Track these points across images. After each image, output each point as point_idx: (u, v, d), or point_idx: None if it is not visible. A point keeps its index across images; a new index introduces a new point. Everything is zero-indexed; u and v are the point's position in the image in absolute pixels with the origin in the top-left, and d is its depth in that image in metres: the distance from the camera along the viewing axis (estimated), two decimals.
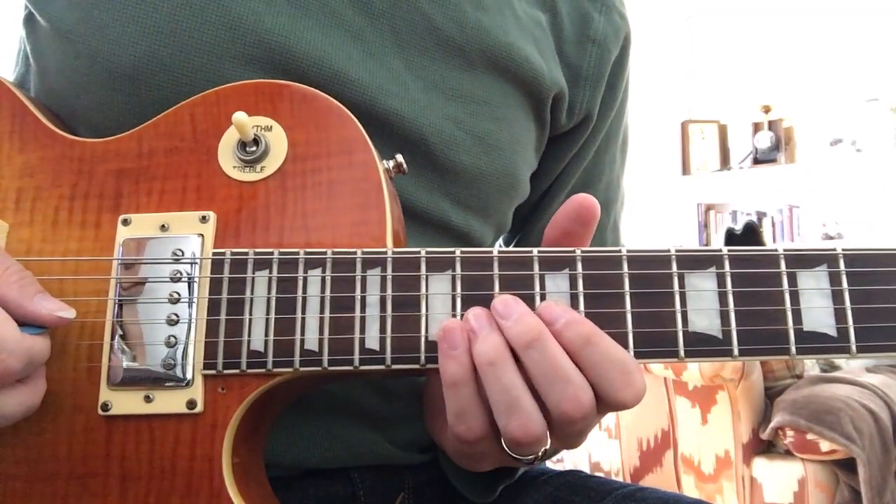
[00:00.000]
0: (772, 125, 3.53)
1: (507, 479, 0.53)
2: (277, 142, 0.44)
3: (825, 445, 1.78)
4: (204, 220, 0.42)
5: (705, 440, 1.95)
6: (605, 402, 0.38)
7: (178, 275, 0.41)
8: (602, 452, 2.23)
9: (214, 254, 0.42)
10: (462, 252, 0.41)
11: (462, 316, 0.40)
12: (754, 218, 3.46)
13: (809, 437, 1.79)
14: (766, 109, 3.50)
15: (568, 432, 0.39)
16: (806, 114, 3.44)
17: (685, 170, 3.75)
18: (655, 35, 3.43)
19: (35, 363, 0.38)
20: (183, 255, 0.42)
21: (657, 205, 3.54)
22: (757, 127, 3.56)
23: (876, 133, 3.26)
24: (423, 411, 0.55)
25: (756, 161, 3.56)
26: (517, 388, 0.37)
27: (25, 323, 0.37)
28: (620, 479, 2.04)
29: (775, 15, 3.48)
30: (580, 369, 0.38)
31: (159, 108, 0.46)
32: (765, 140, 3.51)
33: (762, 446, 1.95)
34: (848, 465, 1.79)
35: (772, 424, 1.86)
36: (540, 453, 0.39)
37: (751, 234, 2.90)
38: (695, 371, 1.86)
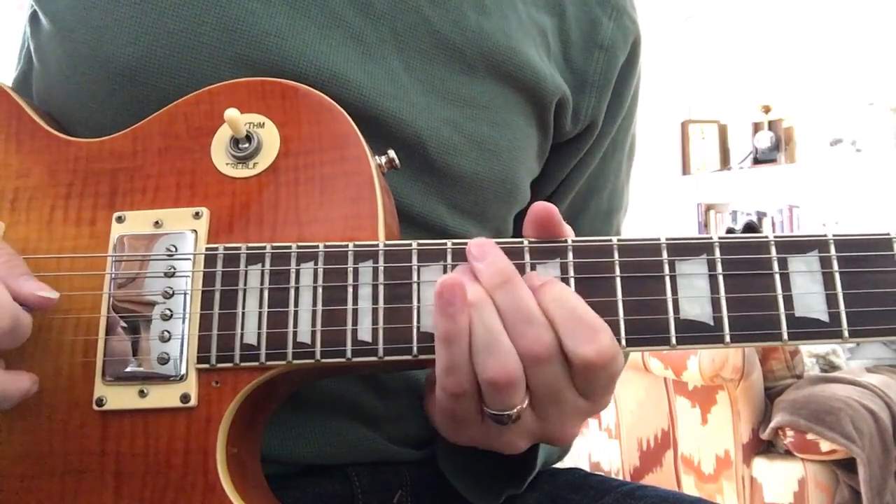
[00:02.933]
0: (772, 125, 3.52)
1: (513, 487, 0.52)
2: (270, 138, 0.44)
3: (825, 445, 1.78)
4: (197, 216, 0.43)
5: (705, 440, 1.95)
6: (569, 357, 0.39)
7: (172, 270, 0.42)
8: (602, 452, 2.23)
9: (207, 249, 0.42)
10: (453, 244, 0.41)
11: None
12: (754, 218, 3.45)
13: (809, 437, 1.79)
14: (766, 109, 3.49)
15: (538, 384, 0.39)
16: (806, 114, 3.44)
17: (685, 170, 3.75)
18: (655, 35, 3.43)
19: (19, 332, 0.38)
20: (177, 250, 0.42)
21: (657, 205, 3.54)
22: (757, 127, 3.55)
23: (876, 133, 3.25)
24: (418, 407, 0.55)
25: (756, 161, 3.55)
26: (496, 330, 0.38)
27: None
28: (620, 478, 2.03)
29: (775, 15, 3.48)
30: (548, 319, 0.39)
31: (156, 107, 0.46)
32: (765, 140, 3.50)
33: (762, 446, 1.95)
34: (848, 465, 1.79)
35: (772, 424, 1.86)
36: (508, 413, 0.39)
37: (750, 233, 2.89)
38: (695, 371, 1.86)
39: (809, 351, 2.29)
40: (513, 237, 0.64)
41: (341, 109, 0.45)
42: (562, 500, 0.57)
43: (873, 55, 3.25)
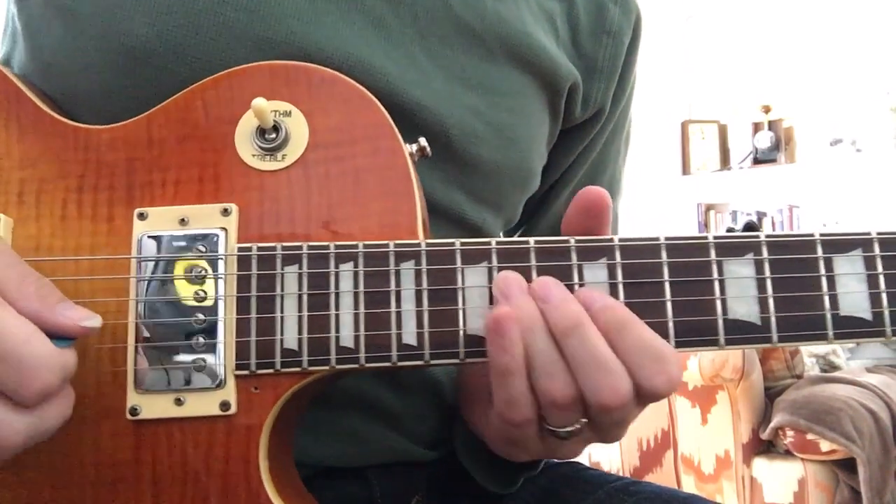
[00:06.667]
0: (772, 125, 3.53)
1: (529, 470, 0.52)
2: (298, 128, 0.42)
3: (825, 445, 1.79)
4: (226, 212, 0.40)
5: (705, 440, 1.96)
6: (639, 390, 0.38)
7: (203, 272, 0.39)
8: (602, 452, 2.23)
9: (240, 249, 0.40)
10: (497, 243, 0.40)
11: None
12: (754, 218, 3.46)
13: (809, 437, 1.79)
14: (766, 109, 3.50)
15: (605, 422, 0.39)
16: (806, 114, 3.44)
17: (685, 170, 3.75)
18: (655, 35, 3.42)
19: (68, 376, 0.35)
20: (206, 250, 0.40)
21: (657, 205, 3.54)
22: (757, 127, 3.56)
23: (876, 133, 3.27)
24: (435, 405, 0.54)
25: (756, 161, 3.55)
26: (551, 351, 0.37)
27: (49, 335, 0.34)
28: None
29: (775, 15, 3.48)
30: (616, 355, 0.38)
31: (169, 93, 0.43)
32: (765, 140, 3.51)
33: (762, 446, 1.95)
34: (848, 465, 1.80)
35: (772, 424, 1.86)
36: (570, 429, 0.39)
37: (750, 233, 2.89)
38: (695, 371, 1.86)
39: (809, 351, 2.29)
40: (518, 223, 0.63)
41: (373, 98, 0.42)
42: (555, 495, 0.56)
43: (873, 55, 3.26)
